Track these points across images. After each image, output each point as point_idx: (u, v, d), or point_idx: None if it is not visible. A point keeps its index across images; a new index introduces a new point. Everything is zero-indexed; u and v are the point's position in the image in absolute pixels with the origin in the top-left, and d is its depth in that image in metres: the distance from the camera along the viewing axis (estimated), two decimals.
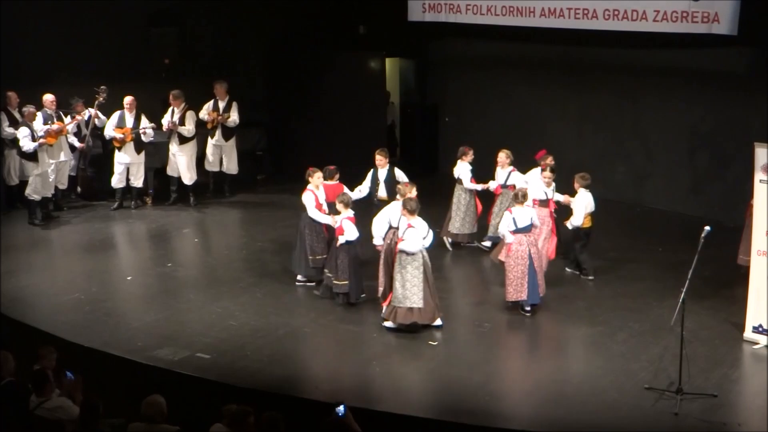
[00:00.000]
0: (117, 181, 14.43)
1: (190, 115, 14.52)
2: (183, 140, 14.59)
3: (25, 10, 14.05)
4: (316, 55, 16.52)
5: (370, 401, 8.29)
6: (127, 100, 14.13)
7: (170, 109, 14.45)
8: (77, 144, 14.35)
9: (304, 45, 16.64)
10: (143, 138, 14.29)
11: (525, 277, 10.11)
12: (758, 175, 9.23)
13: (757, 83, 12.75)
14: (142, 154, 14.43)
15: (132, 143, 14.22)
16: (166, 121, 14.39)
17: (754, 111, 12.72)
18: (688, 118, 14.18)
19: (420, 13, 15.61)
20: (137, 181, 14.50)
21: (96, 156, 14.79)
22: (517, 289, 10.17)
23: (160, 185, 14.95)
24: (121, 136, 14.15)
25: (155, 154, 14.74)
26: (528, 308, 10.27)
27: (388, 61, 16.63)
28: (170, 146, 14.64)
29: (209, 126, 14.95)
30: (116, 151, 14.29)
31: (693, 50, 13.62)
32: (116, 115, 14.17)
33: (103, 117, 14.29)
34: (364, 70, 16.26)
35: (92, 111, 14.16)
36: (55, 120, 13.71)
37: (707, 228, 8.41)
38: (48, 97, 13.75)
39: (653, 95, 14.48)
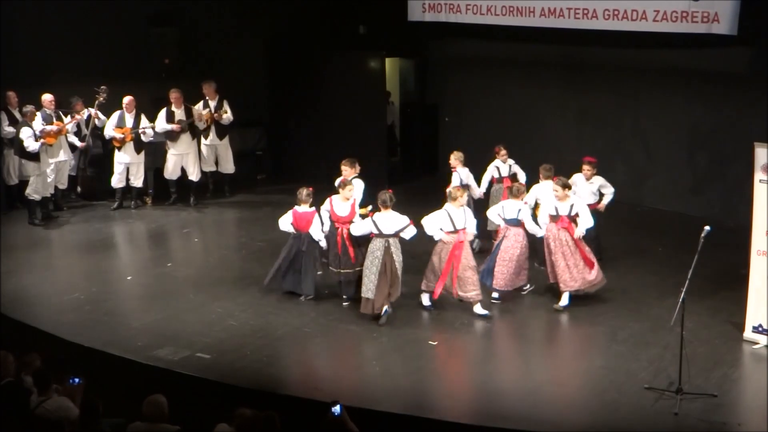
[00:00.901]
0: (117, 181, 14.43)
1: (194, 111, 14.59)
2: (194, 135, 14.65)
3: (24, 10, 14.04)
4: (316, 54, 16.50)
5: (369, 401, 8.27)
6: (126, 100, 14.14)
7: (164, 110, 14.41)
8: (78, 143, 14.34)
9: (303, 44, 16.62)
10: (143, 138, 14.29)
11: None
12: (758, 175, 9.22)
13: (757, 83, 12.75)
14: (142, 153, 14.43)
15: (132, 143, 14.23)
16: (160, 122, 14.33)
17: (754, 111, 12.72)
18: (688, 118, 14.18)
19: (420, 13, 15.59)
20: (137, 181, 14.50)
21: (96, 156, 14.78)
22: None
23: (160, 185, 14.95)
24: (121, 136, 14.15)
25: (155, 154, 14.73)
26: (495, 295, 10.62)
27: (388, 61, 16.60)
28: (170, 148, 14.62)
29: (203, 127, 14.94)
30: (116, 151, 14.30)
31: (693, 50, 13.61)
32: (116, 115, 14.18)
33: (103, 117, 14.28)
34: (364, 70, 16.24)
35: (92, 111, 14.15)
36: (54, 120, 13.71)
37: (707, 228, 8.41)
38: (47, 97, 13.73)
39: (653, 95, 14.48)
